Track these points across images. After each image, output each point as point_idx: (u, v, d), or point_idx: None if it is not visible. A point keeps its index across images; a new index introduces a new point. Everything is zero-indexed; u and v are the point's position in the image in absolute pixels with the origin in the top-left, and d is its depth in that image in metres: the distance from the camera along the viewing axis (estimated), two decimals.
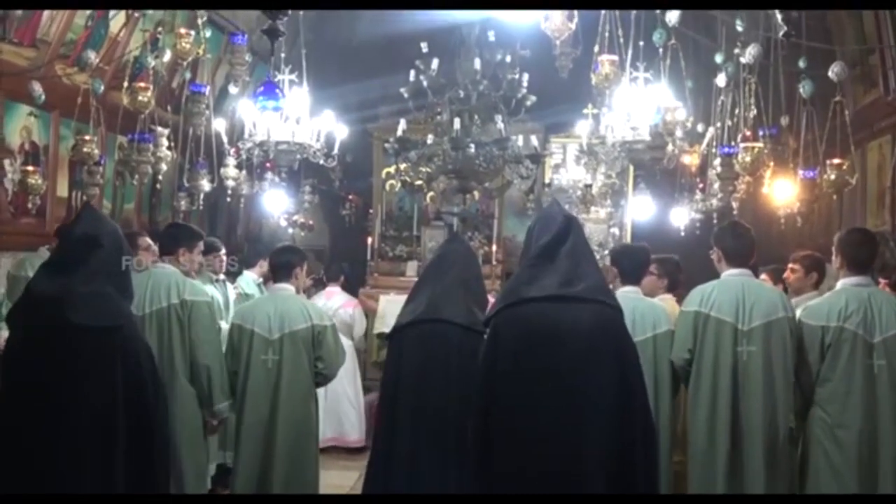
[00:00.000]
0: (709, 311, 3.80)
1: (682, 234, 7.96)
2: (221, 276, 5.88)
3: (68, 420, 3.15)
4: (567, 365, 2.84)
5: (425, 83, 6.12)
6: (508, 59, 6.17)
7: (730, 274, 3.95)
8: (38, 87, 5.24)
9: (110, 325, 3.23)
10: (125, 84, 5.28)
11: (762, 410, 3.69)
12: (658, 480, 3.16)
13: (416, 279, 8.97)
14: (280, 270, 4.70)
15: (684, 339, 3.86)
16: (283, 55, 5.50)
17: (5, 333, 4.89)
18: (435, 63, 6.09)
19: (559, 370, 2.84)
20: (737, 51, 5.20)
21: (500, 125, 6.13)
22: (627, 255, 4.41)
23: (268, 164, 7.67)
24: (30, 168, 5.82)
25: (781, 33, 3.26)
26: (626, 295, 3.97)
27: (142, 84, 5.13)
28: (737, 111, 5.56)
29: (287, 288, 4.63)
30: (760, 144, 5.04)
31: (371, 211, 10.27)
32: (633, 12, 4.77)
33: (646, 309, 4.06)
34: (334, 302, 7.74)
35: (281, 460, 4.34)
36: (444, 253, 3.88)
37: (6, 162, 6.13)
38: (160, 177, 5.97)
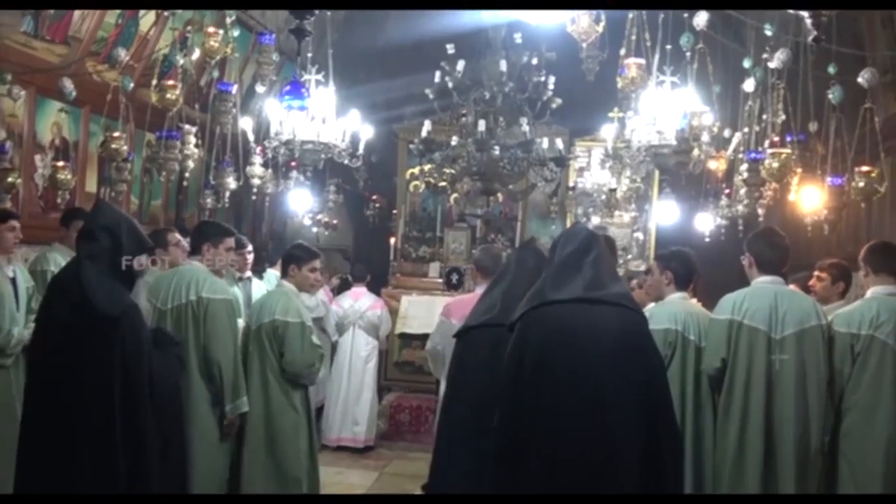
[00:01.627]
0: (742, 318, 3.76)
1: (707, 239, 7.89)
2: (247, 274, 5.92)
3: (67, 409, 3.27)
4: (594, 364, 2.84)
5: (451, 84, 6.12)
6: (535, 61, 6.16)
7: (762, 281, 3.90)
8: (69, 84, 5.31)
9: (110, 316, 3.30)
10: (154, 82, 5.32)
11: (794, 420, 3.65)
12: (683, 481, 3.14)
13: (438, 280, 9.16)
14: (282, 267, 4.93)
15: (717, 348, 3.80)
16: (309, 55, 5.53)
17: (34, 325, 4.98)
18: (461, 65, 6.09)
19: (587, 370, 2.84)
20: (765, 56, 5.15)
21: (525, 128, 6.12)
22: (679, 257, 4.26)
23: (293, 164, 7.70)
24: (59, 163, 5.91)
25: (811, 38, 3.21)
26: (683, 301, 3.98)
27: (170, 82, 5.17)
28: (764, 117, 5.50)
29: (282, 283, 4.81)
30: (788, 150, 4.98)
31: (395, 211, 10.30)
32: (661, 15, 4.75)
33: (703, 317, 4.02)
34: (362, 304, 7.79)
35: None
36: (519, 258, 3.84)
37: (37, 157, 6.22)
38: (187, 174, 6.02)
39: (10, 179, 5.36)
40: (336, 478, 6.72)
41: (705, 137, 4.43)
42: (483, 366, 3.31)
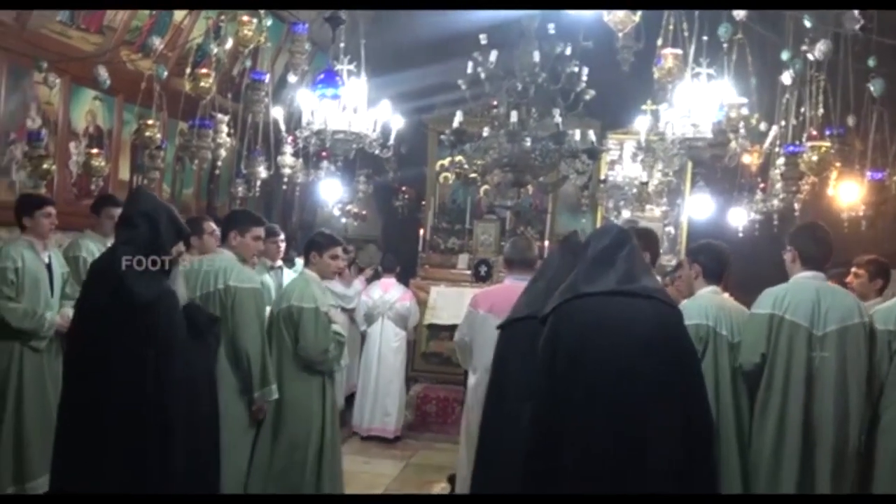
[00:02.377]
0: (783, 313, 3.70)
1: (741, 235, 7.78)
2: (278, 263, 5.94)
3: (103, 394, 3.30)
4: (628, 357, 2.82)
5: (483, 75, 6.07)
6: (568, 51, 6.08)
7: (803, 277, 3.85)
8: (103, 72, 5.35)
9: (145, 302, 3.32)
10: (188, 71, 5.34)
11: (833, 418, 3.60)
12: (718, 475, 3.11)
13: (466, 272, 9.13)
14: (304, 255, 4.98)
15: (756, 342, 3.74)
16: (342, 45, 5.52)
17: (68, 311, 5.04)
18: (493, 55, 6.03)
19: (620, 362, 2.82)
20: (804, 47, 5.05)
21: (558, 119, 6.06)
22: (708, 250, 4.19)
23: (323, 154, 7.72)
24: (93, 150, 5.96)
25: (858, 26, 3.14)
26: (714, 295, 3.92)
27: (204, 70, 5.19)
28: (802, 110, 5.39)
29: (304, 271, 4.86)
30: (828, 143, 4.88)
31: (423, 202, 10.28)
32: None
33: (737, 311, 3.96)
34: (391, 295, 7.81)
35: None
36: (563, 250, 3.78)
37: (71, 145, 6.28)
38: (219, 163, 6.05)
39: (45, 166, 5.41)
40: (363, 467, 6.76)
41: (742, 130, 4.35)
42: (525, 358, 3.28)
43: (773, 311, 3.72)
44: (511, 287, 4.67)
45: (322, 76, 4.68)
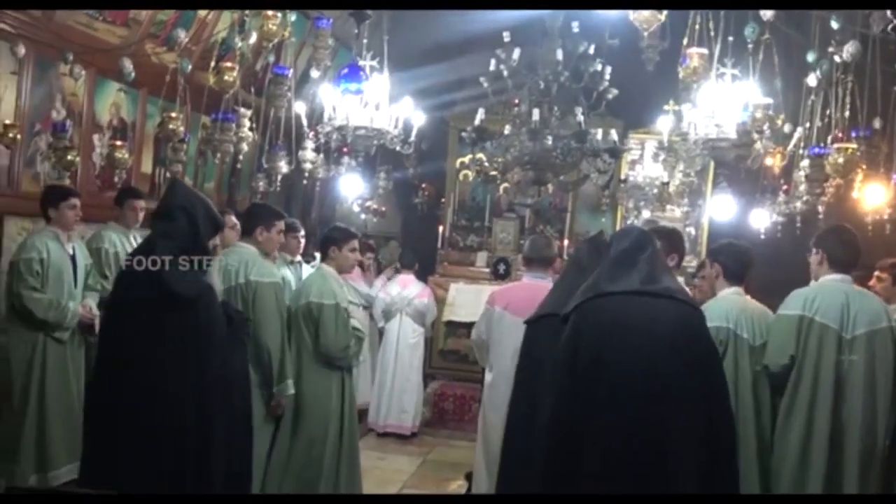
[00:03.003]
0: (813, 315, 3.66)
1: (763, 237, 7.71)
2: (298, 258, 5.95)
3: (139, 389, 3.26)
4: (651, 357, 2.80)
5: (505, 72, 6.05)
6: (592, 50, 6.05)
7: (832, 279, 3.80)
8: (128, 64, 5.39)
9: (186, 298, 3.30)
10: (212, 64, 5.36)
11: (860, 423, 3.56)
12: (738, 476, 3.08)
13: (485, 269, 9.12)
14: (321, 250, 4.95)
15: (785, 344, 3.69)
16: (364, 41, 5.52)
17: (90, 302, 5.09)
18: (516, 53, 6.01)
19: (643, 362, 2.80)
20: (831, 49, 4.99)
21: (580, 117, 6.03)
22: (728, 250, 4.13)
23: (344, 149, 7.73)
24: (118, 142, 6.00)
25: (891, 26, 3.09)
26: (737, 297, 3.89)
27: (228, 64, 5.21)
28: (828, 111, 5.34)
29: (321, 267, 4.83)
30: (854, 145, 4.83)
31: (443, 200, 10.27)
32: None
33: (760, 313, 3.92)
34: (410, 291, 7.81)
35: None
36: (590, 249, 3.75)
37: (95, 137, 6.33)
38: (241, 157, 6.07)
39: (69, 158, 5.45)
40: (379, 463, 6.77)
41: (767, 131, 4.31)
42: (550, 355, 3.27)
43: (802, 313, 3.68)
44: (529, 285, 4.67)
45: (346, 71, 4.66)
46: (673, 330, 2.83)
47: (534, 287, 4.53)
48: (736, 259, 4.04)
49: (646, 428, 2.79)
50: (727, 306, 3.88)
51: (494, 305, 4.68)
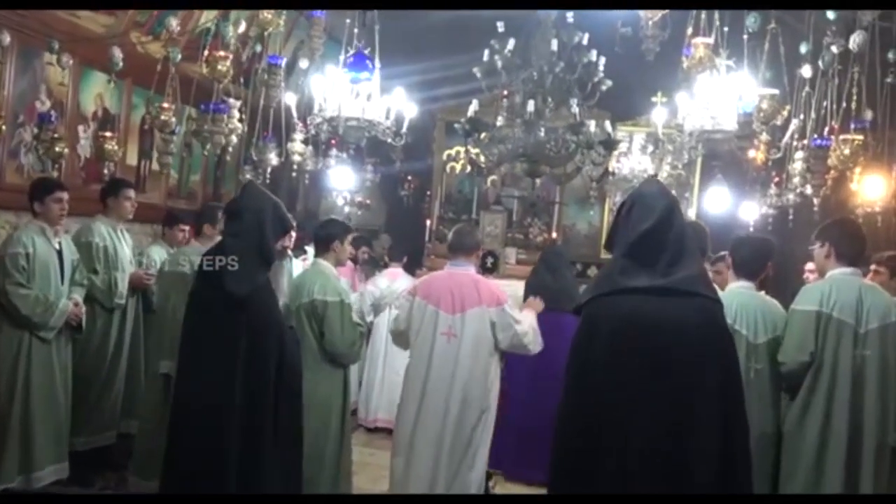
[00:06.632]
0: (831, 311, 3.62)
1: (752, 229, 7.71)
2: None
3: (203, 387, 3.33)
4: (668, 350, 2.71)
5: (499, 63, 5.97)
6: (585, 40, 5.99)
7: (842, 273, 3.77)
8: (118, 53, 5.27)
9: (237, 296, 3.33)
10: (205, 53, 5.23)
11: (875, 418, 3.53)
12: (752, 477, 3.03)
13: None
14: (317, 245, 4.83)
15: (804, 340, 3.65)
16: (356, 31, 5.44)
17: (77, 297, 4.95)
18: (511, 43, 5.94)
19: (660, 355, 2.71)
20: (827, 40, 4.97)
21: (575, 109, 5.97)
22: (746, 244, 4.07)
23: (333, 141, 7.63)
24: (107, 134, 5.86)
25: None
26: (743, 291, 3.83)
27: (221, 53, 5.09)
28: (824, 103, 5.33)
29: (318, 262, 4.70)
30: (861, 137, 4.82)
31: (428, 193, 10.21)
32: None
33: (766, 310, 3.87)
34: (398, 285, 7.68)
35: None
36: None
37: (80, 128, 6.17)
38: (229, 149, 5.96)
39: (57, 149, 5.31)
40: (369, 458, 6.68)
41: (779, 121, 4.28)
42: None
43: (820, 309, 3.64)
44: (450, 274, 4.57)
45: (352, 60, 4.59)
46: (692, 330, 2.71)
47: (455, 276, 4.51)
48: (744, 254, 3.99)
49: (662, 424, 2.72)
50: (728, 301, 3.82)
51: (415, 295, 4.59)
